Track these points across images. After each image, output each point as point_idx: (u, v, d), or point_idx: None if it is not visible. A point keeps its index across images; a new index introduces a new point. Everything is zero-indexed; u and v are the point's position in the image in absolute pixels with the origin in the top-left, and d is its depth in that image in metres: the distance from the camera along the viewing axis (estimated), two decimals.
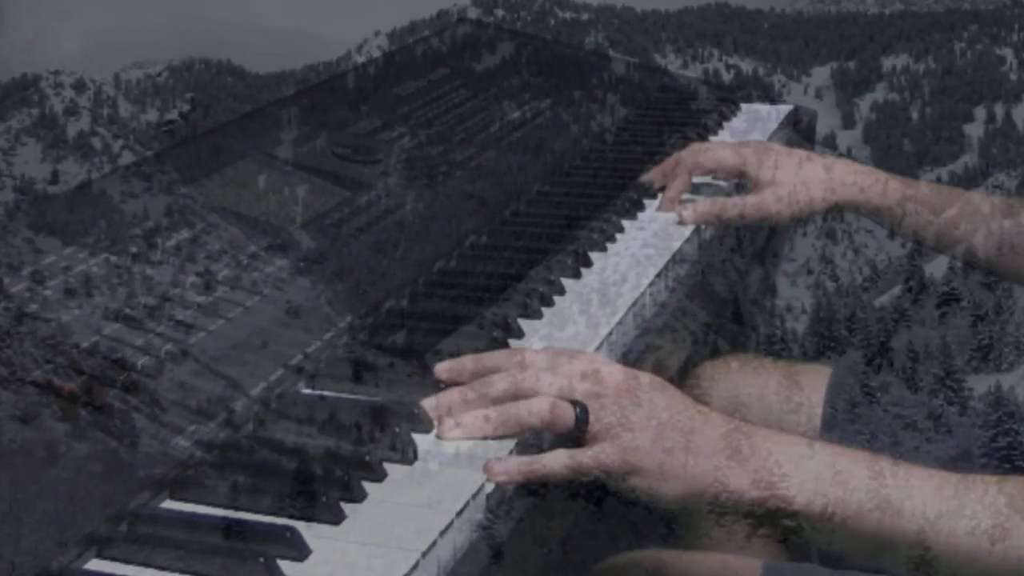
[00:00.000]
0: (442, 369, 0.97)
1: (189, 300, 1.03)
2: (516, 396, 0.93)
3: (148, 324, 0.98)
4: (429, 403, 0.93)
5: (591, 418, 0.91)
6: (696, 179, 1.42)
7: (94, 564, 0.79)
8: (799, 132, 1.72)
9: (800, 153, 1.39)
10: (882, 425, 1.28)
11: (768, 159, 1.35)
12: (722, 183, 1.42)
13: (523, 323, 1.10)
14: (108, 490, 0.83)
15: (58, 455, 0.84)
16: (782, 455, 0.91)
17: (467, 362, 0.97)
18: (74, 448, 0.85)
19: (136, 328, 0.98)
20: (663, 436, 0.91)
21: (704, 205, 1.34)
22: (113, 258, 1.05)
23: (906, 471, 0.91)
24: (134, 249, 1.07)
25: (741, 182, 1.41)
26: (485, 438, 0.92)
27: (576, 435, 0.92)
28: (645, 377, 0.95)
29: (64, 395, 0.87)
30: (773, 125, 1.67)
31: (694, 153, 1.41)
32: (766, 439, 0.93)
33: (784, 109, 1.74)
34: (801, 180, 1.34)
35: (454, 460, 0.89)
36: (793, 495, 0.90)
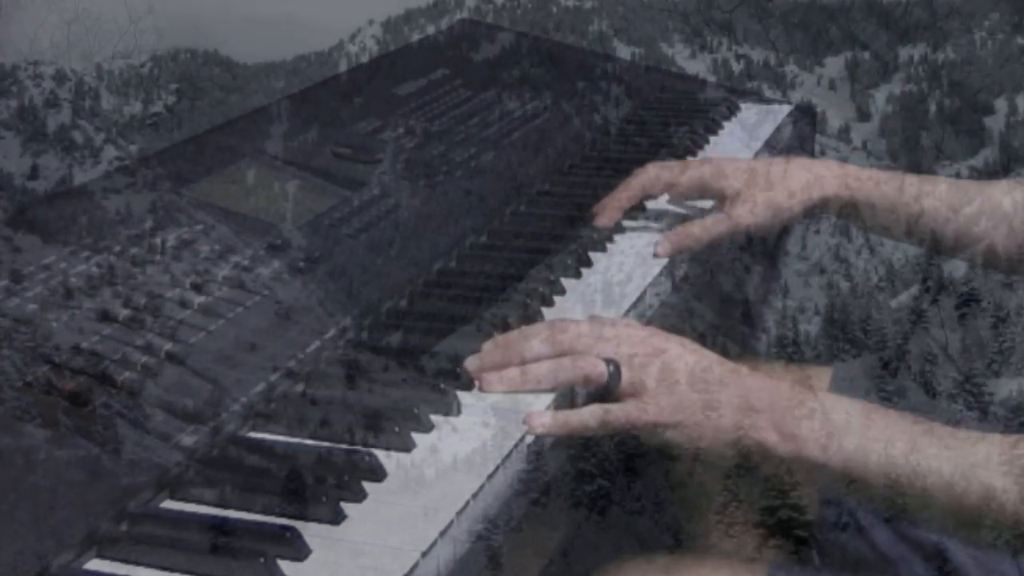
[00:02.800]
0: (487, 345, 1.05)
1: (190, 300, 1.06)
2: (554, 355, 1.01)
3: (148, 324, 1.01)
4: (472, 361, 1.02)
5: (624, 375, 0.99)
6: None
7: (94, 564, 0.82)
8: (800, 131, 1.75)
9: (767, 160, 1.38)
10: None
11: (732, 170, 1.33)
12: (679, 209, 1.40)
13: (524, 324, 1.13)
14: (108, 491, 0.86)
15: (57, 456, 0.87)
16: (810, 410, 0.98)
17: (506, 338, 1.05)
18: (74, 449, 0.88)
19: (135, 329, 1.01)
20: (693, 393, 0.99)
21: (676, 236, 1.31)
22: (111, 259, 1.08)
23: (925, 430, 0.97)
24: (134, 250, 1.10)
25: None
26: (523, 392, 1.01)
27: (610, 392, 1.00)
28: (676, 338, 1.03)
29: (64, 395, 0.90)
30: (773, 125, 1.70)
31: (648, 176, 1.36)
32: (794, 393, 0.99)
33: (784, 108, 1.77)
34: (769, 186, 1.31)
35: (454, 460, 0.92)
36: (816, 450, 0.97)
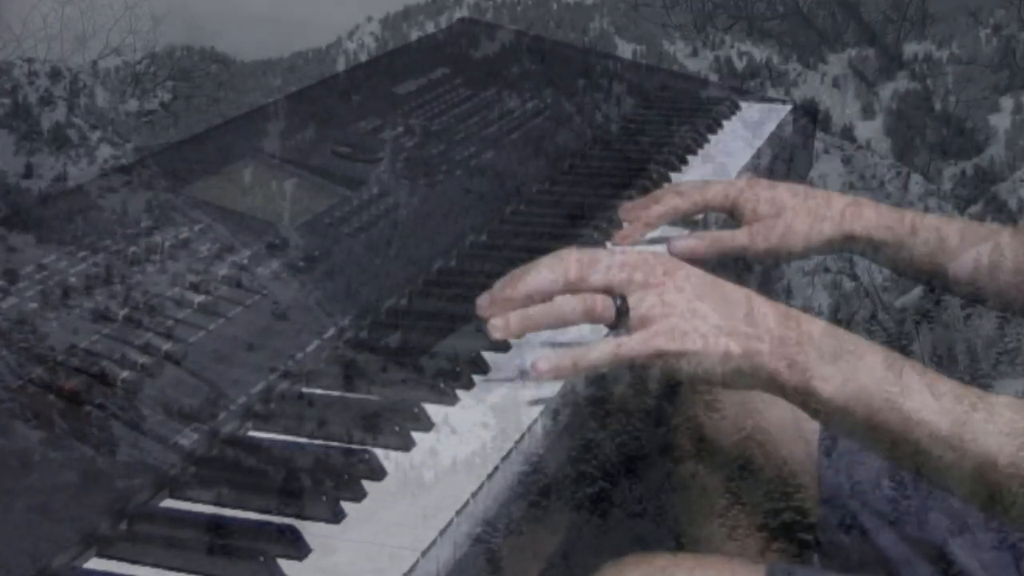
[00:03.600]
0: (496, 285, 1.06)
1: (190, 300, 1.07)
2: (561, 290, 1.02)
3: (147, 324, 1.03)
4: (482, 301, 1.03)
5: (632, 307, 0.99)
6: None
7: (94, 563, 0.83)
8: (800, 131, 1.76)
9: (792, 187, 1.36)
10: None
11: (759, 193, 1.33)
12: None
13: None
14: (107, 491, 0.87)
15: (57, 456, 0.88)
16: (819, 342, 0.98)
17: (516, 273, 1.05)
18: (74, 449, 0.89)
19: (134, 328, 1.02)
20: (703, 317, 0.99)
21: (691, 241, 1.32)
22: (110, 259, 1.10)
23: (933, 379, 0.96)
24: (133, 250, 1.11)
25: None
26: (529, 332, 1.02)
27: (620, 325, 1.00)
28: (682, 264, 1.03)
29: (63, 396, 0.91)
30: (774, 124, 1.71)
31: (675, 194, 1.36)
32: (804, 324, 0.99)
33: (785, 108, 1.78)
34: (802, 214, 1.31)
35: (454, 460, 0.93)
36: (822, 383, 0.96)
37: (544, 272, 1.02)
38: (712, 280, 1.02)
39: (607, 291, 1.01)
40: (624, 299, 1.00)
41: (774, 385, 0.98)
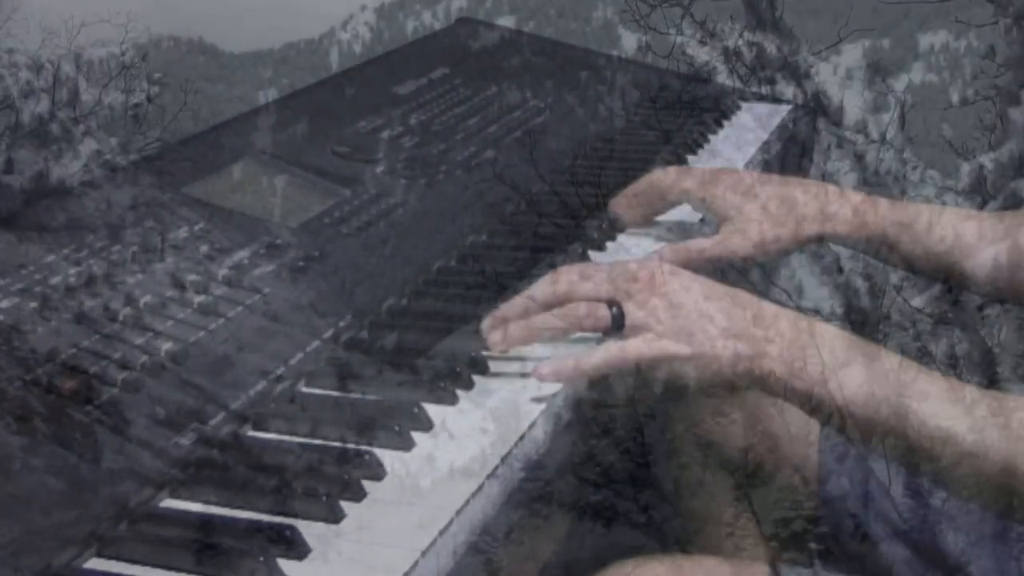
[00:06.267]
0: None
1: (190, 300, 1.10)
2: (557, 304, 1.05)
3: (147, 323, 1.05)
4: (485, 322, 1.07)
5: (628, 313, 1.02)
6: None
7: (94, 563, 0.85)
8: (799, 132, 1.79)
9: (773, 179, 1.35)
10: None
11: (734, 189, 1.31)
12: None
13: None
14: (107, 491, 0.89)
15: (56, 456, 0.90)
16: (830, 346, 1.00)
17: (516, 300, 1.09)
18: (74, 449, 0.91)
19: (134, 327, 1.05)
20: (711, 319, 1.01)
21: (667, 251, 1.30)
22: (111, 258, 1.12)
23: (928, 375, 0.99)
24: (132, 249, 1.14)
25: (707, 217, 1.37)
26: (524, 344, 1.07)
27: (616, 333, 1.03)
28: (677, 269, 1.06)
29: (63, 395, 0.94)
30: (774, 124, 1.74)
31: (656, 185, 1.36)
32: (814, 327, 1.02)
33: (785, 107, 1.82)
34: (773, 213, 1.30)
35: (453, 460, 0.96)
36: (833, 388, 0.99)
37: (540, 288, 1.07)
38: (717, 284, 1.04)
39: (601, 301, 1.04)
40: (620, 307, 1.03)
41: (783, 389, 1.01)
